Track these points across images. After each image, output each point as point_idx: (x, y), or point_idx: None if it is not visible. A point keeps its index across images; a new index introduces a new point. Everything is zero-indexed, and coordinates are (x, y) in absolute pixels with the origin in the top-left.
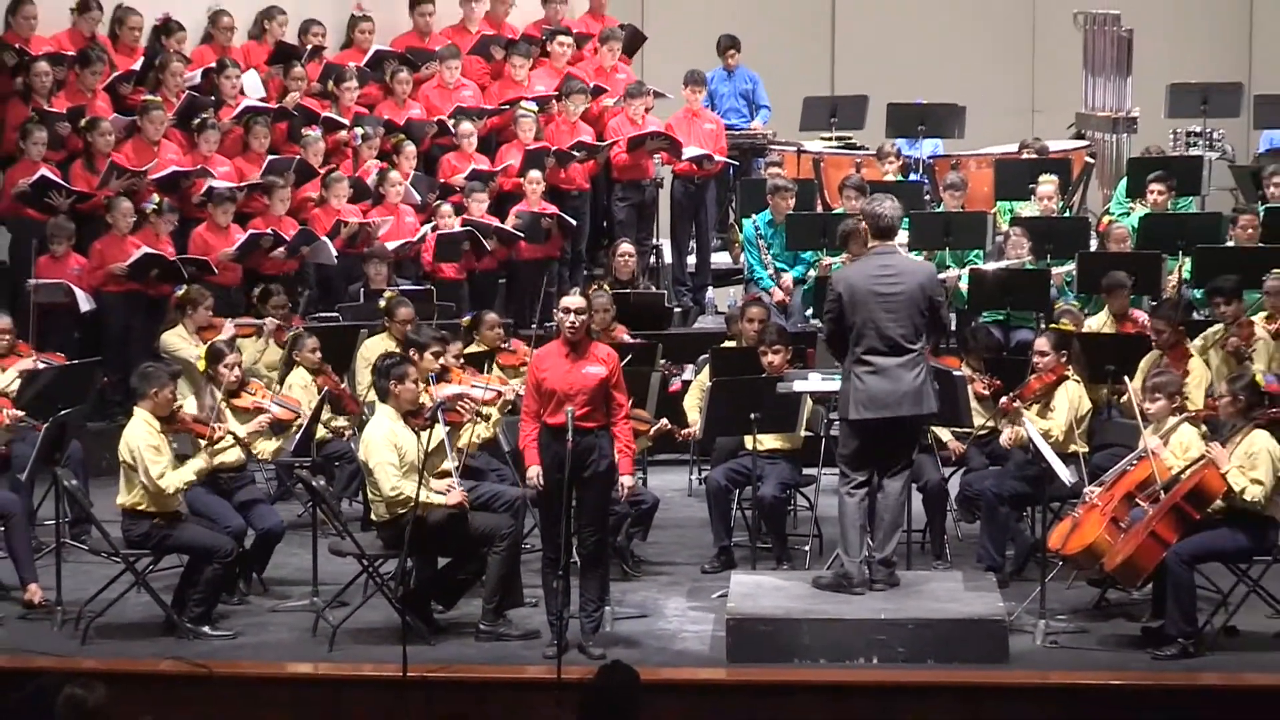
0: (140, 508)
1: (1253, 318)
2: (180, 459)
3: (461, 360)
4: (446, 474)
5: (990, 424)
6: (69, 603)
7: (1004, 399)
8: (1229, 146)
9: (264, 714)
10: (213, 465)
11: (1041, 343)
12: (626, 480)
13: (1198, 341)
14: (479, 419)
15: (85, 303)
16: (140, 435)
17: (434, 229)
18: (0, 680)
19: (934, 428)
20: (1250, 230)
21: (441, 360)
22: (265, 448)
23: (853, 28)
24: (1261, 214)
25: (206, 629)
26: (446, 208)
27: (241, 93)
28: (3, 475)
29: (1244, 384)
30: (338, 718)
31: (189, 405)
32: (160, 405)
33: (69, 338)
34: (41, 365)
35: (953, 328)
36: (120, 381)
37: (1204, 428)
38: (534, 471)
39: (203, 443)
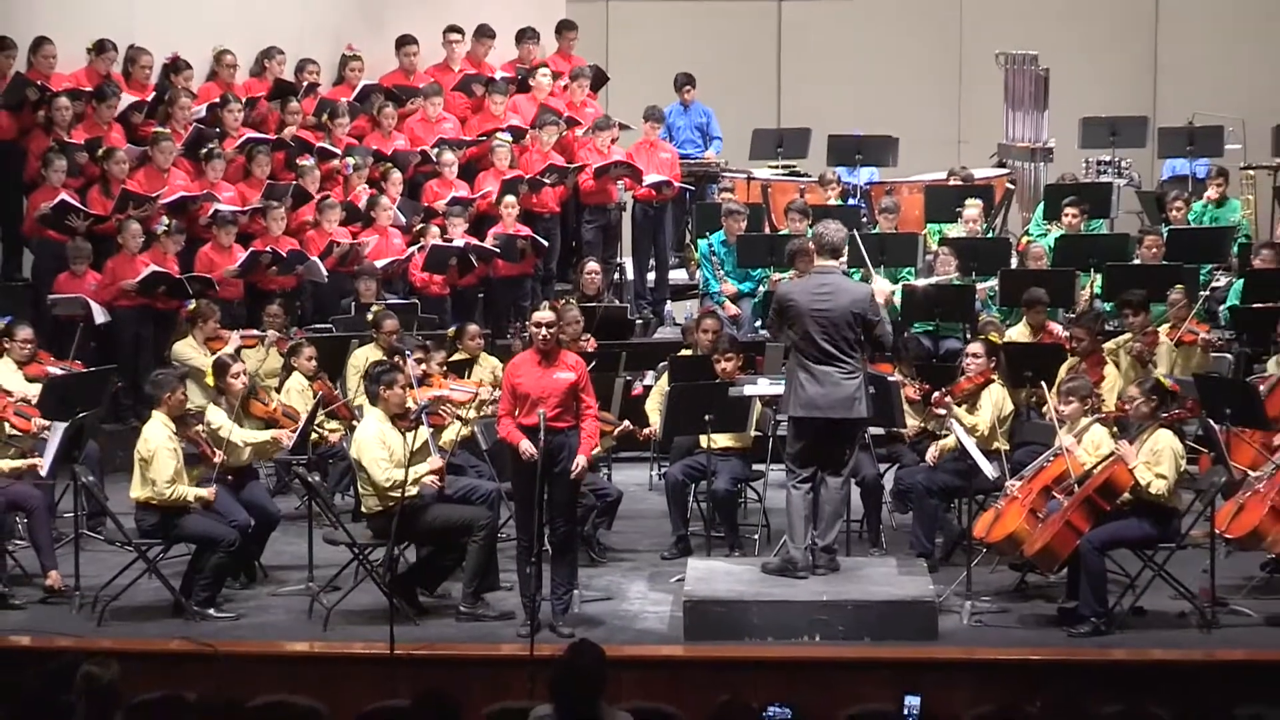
0: (152, 502)
1: (1158, 328)
2: (190, 458)
3: (445, 367)
4: (431, 470)
5: (922, 424)
6: (86, 588)
7: (936, 394)
8: (1136, 174)
9: (264, 689)
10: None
11: (976, 347)
12: (580, 460)
13: (1109, 345)
14: (459, 421)
15: (100, 315)
16: (159, 437)
17: (420, 248)
18: (24, 658)
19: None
20: (1155, 250)
21: (423, 367)
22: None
23: (797, 67)
24: (1165, 235)
25: (211, 611)
26: (434, 229)
27: (243, 125)
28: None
29: (1151, 386)
30: (332, 692)
31: (211, 412)
32: (174, 406)
33: (86, 347)
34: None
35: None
36: (132, 387)
37: (1114, 427)
38: (525, 445)
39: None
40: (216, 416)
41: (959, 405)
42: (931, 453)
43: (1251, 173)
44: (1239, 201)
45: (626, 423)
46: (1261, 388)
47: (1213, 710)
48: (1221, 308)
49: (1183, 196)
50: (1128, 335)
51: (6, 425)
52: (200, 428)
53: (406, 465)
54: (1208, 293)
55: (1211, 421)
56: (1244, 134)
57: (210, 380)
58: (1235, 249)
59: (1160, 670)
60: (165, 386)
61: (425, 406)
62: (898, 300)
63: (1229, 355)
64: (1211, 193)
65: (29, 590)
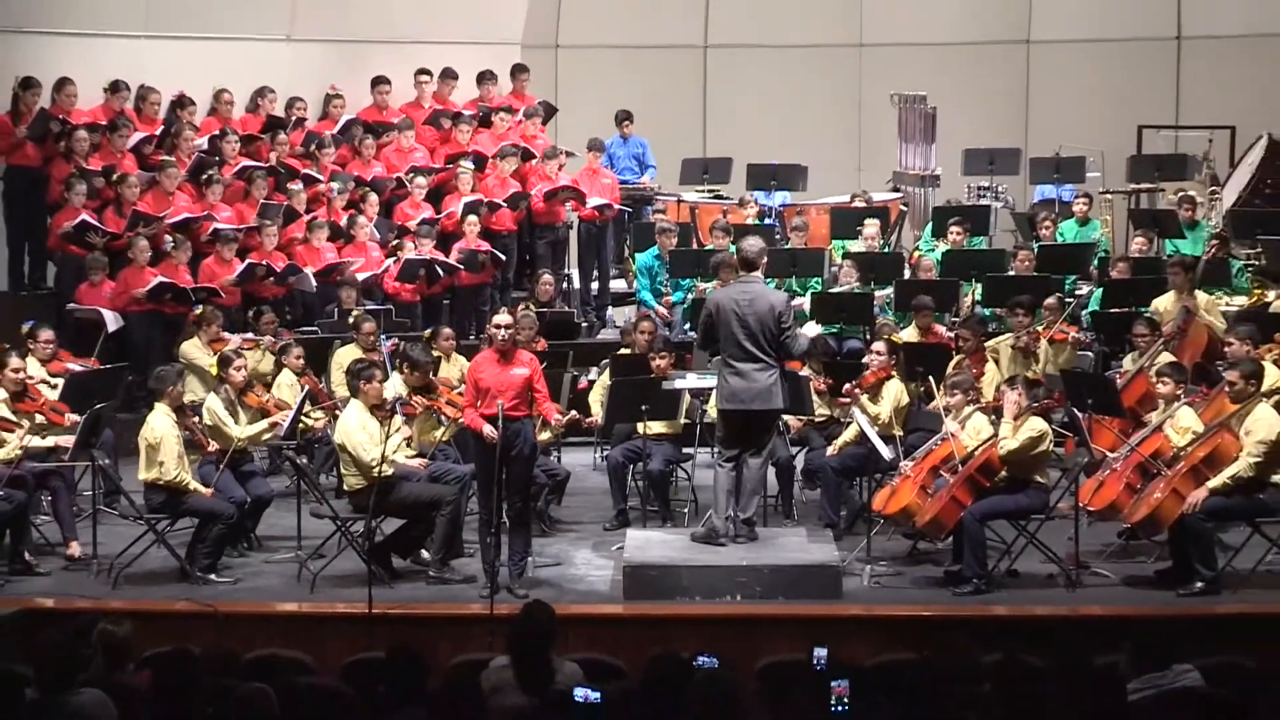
0: (159, 482)
1: (1038, 328)
2: (189, 444)
3: None
4: (411, 456)
5: (828, 412)
6: (102, 556)
7: (847, 385)
8: (1010, 198)
9: (258, 643)
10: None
11: (880, 346)
12: (556, 418)
13: (989, 344)
14: (436, 420)
15: (113, 322)
16: (164, 425)
17: (396, 261)
18: (48, 618)
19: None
20: (1027, 263)
21: (430, 379)
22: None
23: (721, 105)
24: (1036, 250)
25: (213, 576)
26: (406, 245)
27: (240, 154)
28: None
29: (1024, 379)
30: (317, 646)
31: (211, 401)
32: (174, 398)
33: (103, 347)
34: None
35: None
36: (142, 382)
37: (993, 415)
38: (488, 430)
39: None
40: (218, 410)
41: (864, 396)
42: (831, 450)
43: (1109, 197)
44: (1099, 222)
45: (574, 412)
46: (1119, 381)
47: (1077, 658)
48: (1084, 312)
49: (1051, 217)
50: (1009, 335)
51: (39, 417)
52: (196, 419)
53: (384, 447)
54: (1073, 300)
55: (1075, 410)
56: (1103, 164)
57: (215, 371)
58: (1096, 262)
59: (1033, 624)
60: (167, 381)
61: (399, 398)
62: (807, 306)
63: (1090, 354)
64: (1077, 210)
65: (52, 559)
